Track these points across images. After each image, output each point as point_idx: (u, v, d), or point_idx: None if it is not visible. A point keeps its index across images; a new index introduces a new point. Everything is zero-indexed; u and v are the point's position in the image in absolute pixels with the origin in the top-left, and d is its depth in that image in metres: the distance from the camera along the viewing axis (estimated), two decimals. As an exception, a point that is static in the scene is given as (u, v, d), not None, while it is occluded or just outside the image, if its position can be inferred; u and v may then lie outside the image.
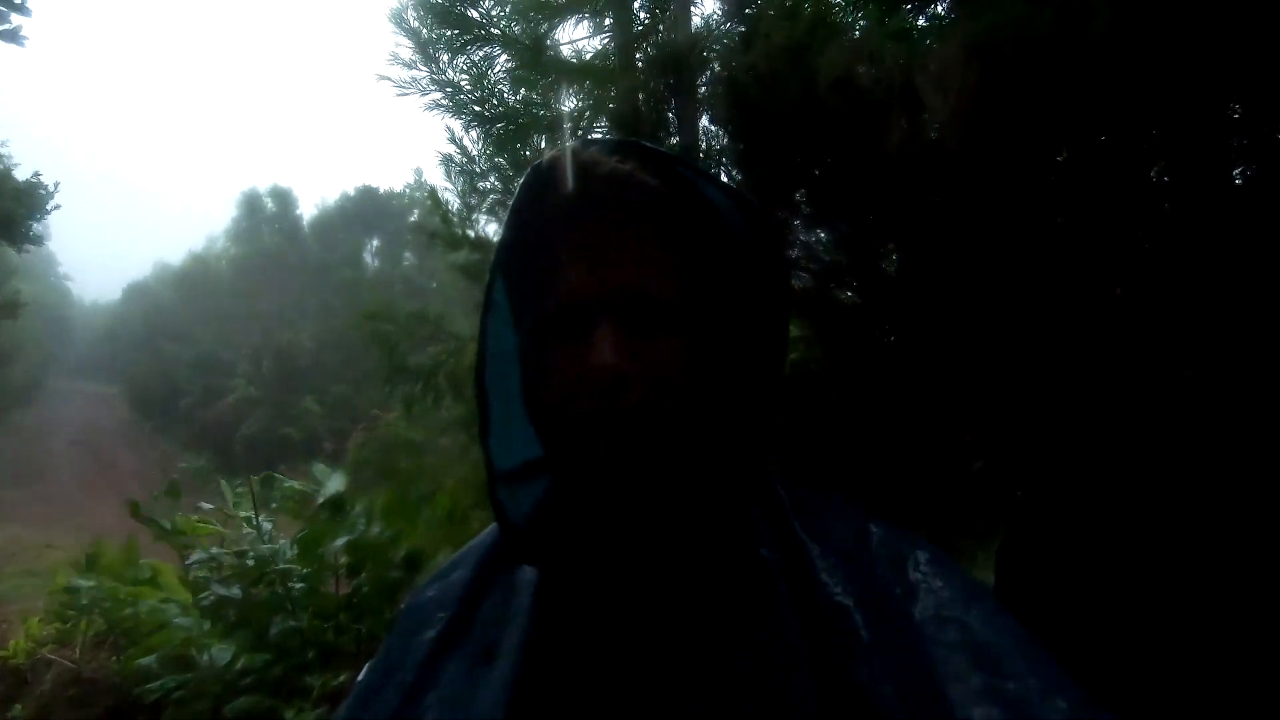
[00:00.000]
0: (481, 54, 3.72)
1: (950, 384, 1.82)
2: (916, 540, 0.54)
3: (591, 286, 0.52)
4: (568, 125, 3.84)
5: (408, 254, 20.86)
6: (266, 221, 23.08)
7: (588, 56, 3.78)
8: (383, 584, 3.14)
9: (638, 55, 3.81)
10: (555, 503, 0.59)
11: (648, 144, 0.58)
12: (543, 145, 3.81)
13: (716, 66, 2.48)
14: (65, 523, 11.77)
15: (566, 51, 3.81)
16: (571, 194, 0.54)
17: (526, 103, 3.79)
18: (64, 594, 4.55)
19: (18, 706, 4.14)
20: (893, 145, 1.45)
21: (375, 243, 22.55)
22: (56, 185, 10.75)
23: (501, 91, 3.77)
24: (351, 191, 23.14)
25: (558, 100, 3.83)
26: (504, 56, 3.72)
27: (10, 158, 11.57)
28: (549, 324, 0.54)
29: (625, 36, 3.58)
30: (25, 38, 3.47)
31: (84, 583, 3.76)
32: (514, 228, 0.58)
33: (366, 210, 22.87)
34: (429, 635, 0.58)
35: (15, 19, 3.36)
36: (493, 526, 0.65)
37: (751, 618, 0.48)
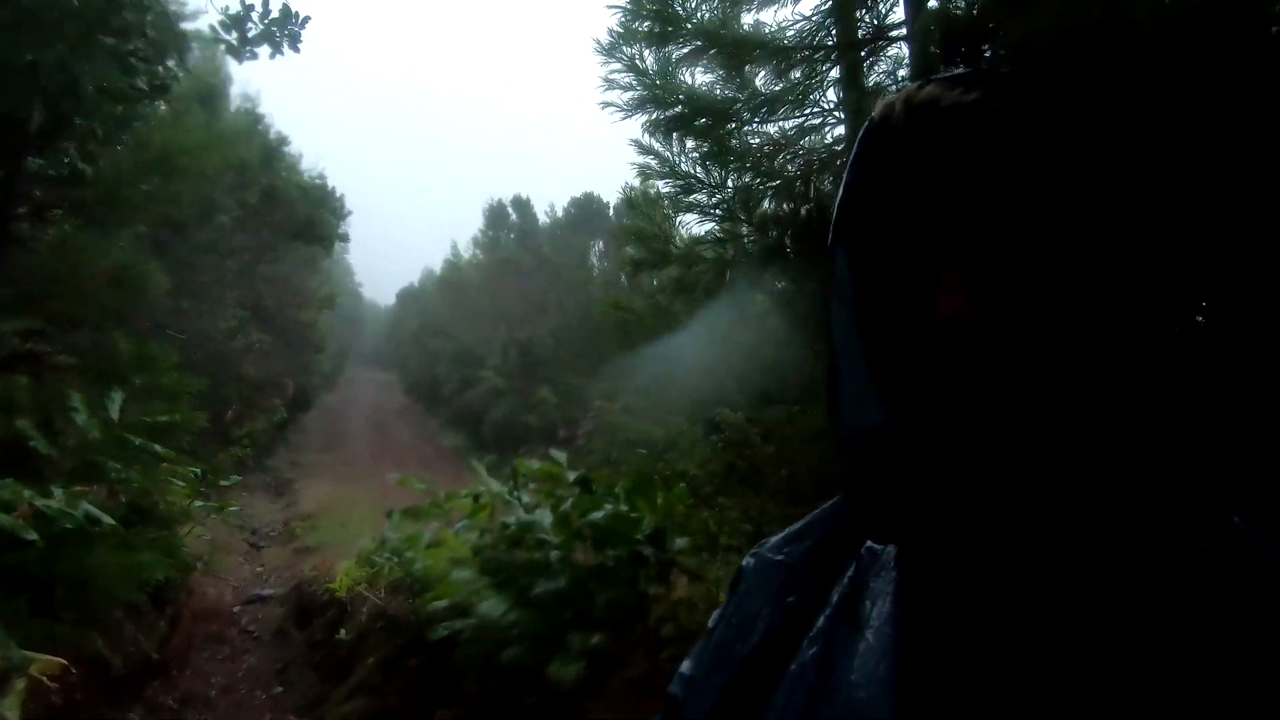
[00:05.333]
0: (686, 51, 3.79)
1: None
2: None
3: (938, 227, 0.49)
4: (782, 107, 3.79)
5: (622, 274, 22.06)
6: (509, 228, 25.82)
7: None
8: (629, 557, 3.38)
9: (859, 26, 3.65)
10: (906, 473, 0.54)
11: (997, 69, 0.53)
12: (746, 132, 3.79)
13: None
14: (361, 482, 14.22)
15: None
16: (912, 135, 0.51)
17: (728, 99, 3.77)
18: (372, 543, 5.57)
19: (343, 630, 5.17)
20: None
21: (600, 245, 24.18)
22: (343, 197, 13.11)
23: (706, 88, 3.81)
24: (577, 197, 25.08)
25: (770, 84, 3.78)
26: (710, 52, 3.76)
27: (323, 173, 14.30)
28: (895, 272, 0.52)
29: (846, 9, 3.45)
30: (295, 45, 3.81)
31: (391, 535, 4.53)
32: (852, 188, 0.56)
33: (590, 215, 24.54)
34: (791, 600, 0.60)
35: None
36: (837, 499, 0.67)
37: (1167, 610, 0.43)
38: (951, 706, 0.46)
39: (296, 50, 3.60)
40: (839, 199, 0.58)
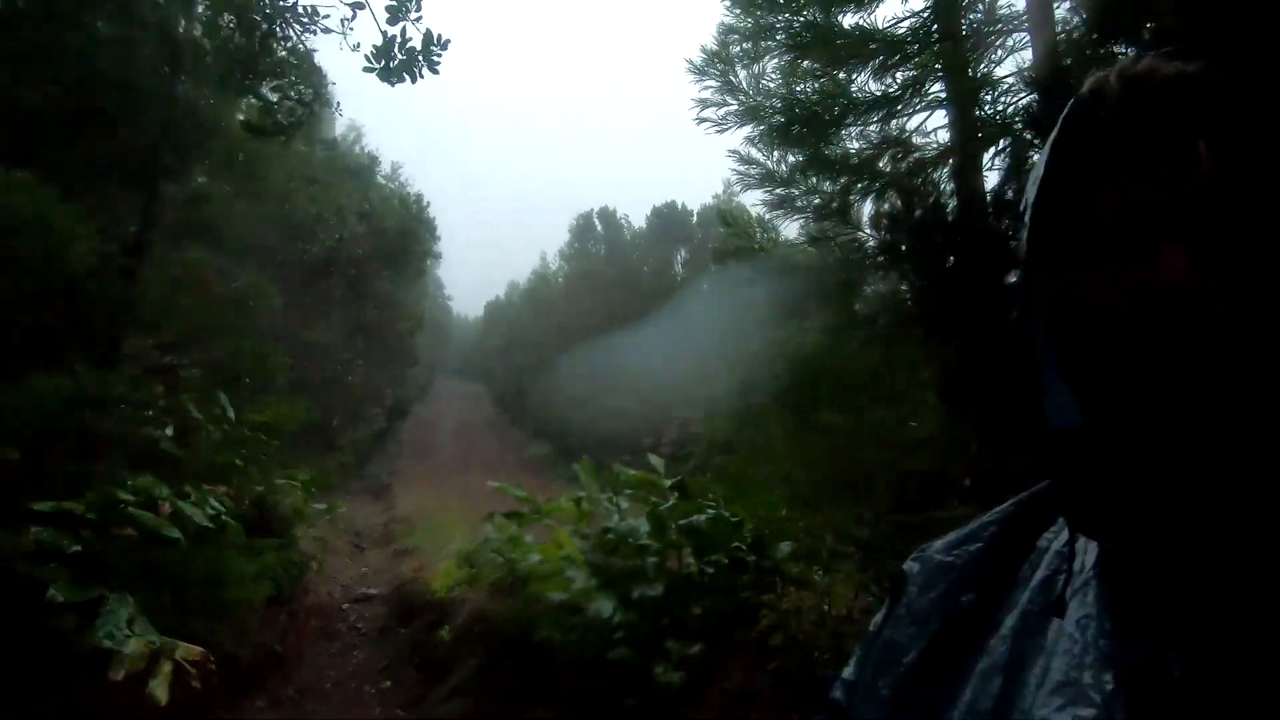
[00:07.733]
0: (786, 54, 3.74)
1: None
2: None
3: (1152, 201, 0.47)
4: (884, 108, 3.68)
5: (712, 265, 22.12)
6: (595, 240, 26.35)
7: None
8: (729, 564, 3.32)
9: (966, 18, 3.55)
10: (1106, 464, 0.53)
11: (1218, 41, 0.51)
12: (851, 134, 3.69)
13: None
14: (451, 490, 14.79)
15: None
16: (1124, 108, 0.50)
17: (827, 94, 3.69)
18: (472, 546, 5.73)
19: (444, 630, 5.34)
20: None
21: (682, 254, 24.30)
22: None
23: (803, 96, 3.74)
24: (659, 206, 25.35)
25: (871, 84, 3.68)
26: (814, 50, 3.68)
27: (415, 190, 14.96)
28: (1105, 250, 0.49)
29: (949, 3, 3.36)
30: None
31: (492, 534, 4.64)
32: (1050, 173, 0.54)
33: (672, 225, 24.74)
34: (965, 599, 0.59)
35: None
36: (1010, 502, 0.65)
37: None
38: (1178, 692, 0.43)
39: (435, 73, 3.89)
40: (1035, 186, 0.56)
